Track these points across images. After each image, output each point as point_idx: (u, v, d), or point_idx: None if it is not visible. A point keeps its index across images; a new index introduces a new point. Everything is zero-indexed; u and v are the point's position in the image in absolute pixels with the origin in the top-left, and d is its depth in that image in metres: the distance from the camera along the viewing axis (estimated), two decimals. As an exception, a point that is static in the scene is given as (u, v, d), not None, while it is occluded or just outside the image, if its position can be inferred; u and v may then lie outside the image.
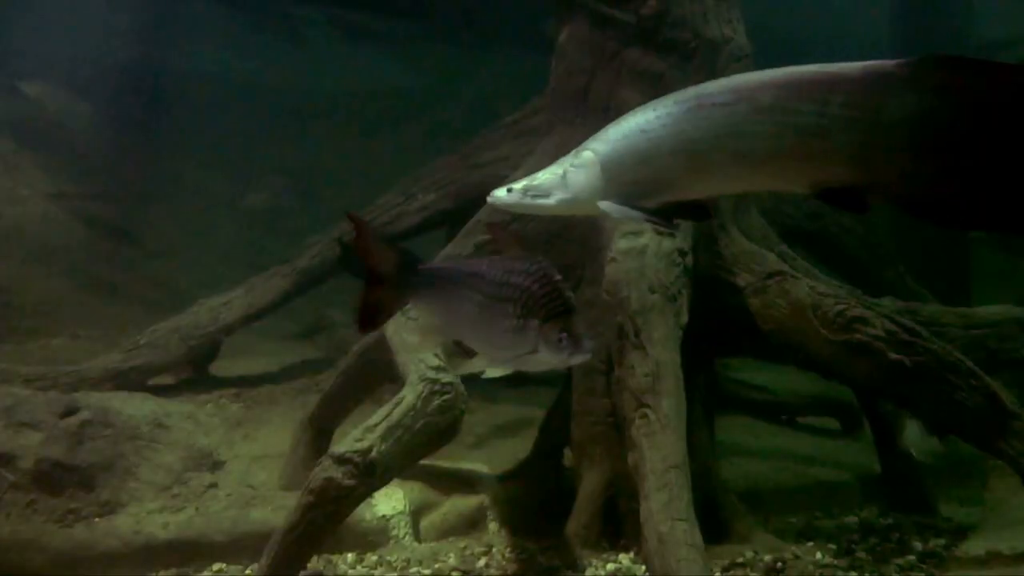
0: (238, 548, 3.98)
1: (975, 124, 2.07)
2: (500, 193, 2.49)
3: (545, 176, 2.45)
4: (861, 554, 4.07)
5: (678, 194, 2.35)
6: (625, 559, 3.94)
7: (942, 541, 4.24)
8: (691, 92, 2.29)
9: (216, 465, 4.68)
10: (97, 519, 4.09)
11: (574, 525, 4.15)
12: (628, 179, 2.34)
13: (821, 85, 2.14)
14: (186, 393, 5.57)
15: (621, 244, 4.02)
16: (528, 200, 2.45)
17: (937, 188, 2.13)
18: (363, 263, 2.34)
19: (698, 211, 2.42)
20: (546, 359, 2.21)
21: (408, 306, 4.27)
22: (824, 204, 5.79)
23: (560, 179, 2.42)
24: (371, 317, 2.40)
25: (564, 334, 2.16)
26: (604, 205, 2.36)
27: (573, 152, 2.43)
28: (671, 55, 4.34)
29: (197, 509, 4.20)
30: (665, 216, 2.38)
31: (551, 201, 2.43)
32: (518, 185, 2.48)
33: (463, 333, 2.40)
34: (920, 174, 2.12)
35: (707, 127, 2.24)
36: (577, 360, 2.19)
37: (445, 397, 3.57)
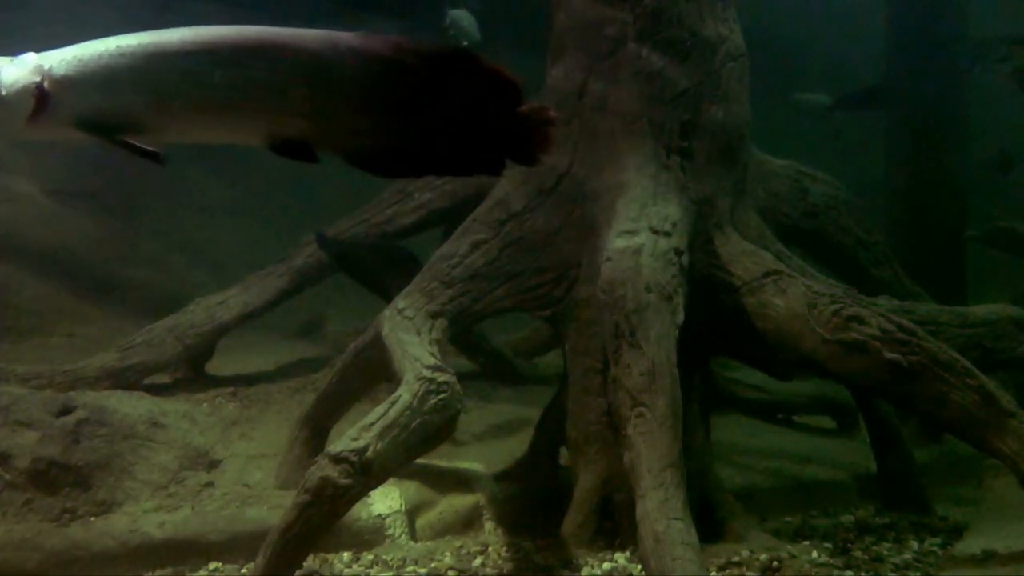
0: (234, 547, 3.97)
1: (404, 89, 2.37)
2: None
3: None
4: (857, 553, 4.06)
5: (150, 135, 2.35)
6: (621, 558, 3.94)
7: (938, 540, 4.24)
8: (152, 36, 2.36)
9: (212, 464, 4.67)
10: (93, 518, 4.09)
11: (570, 524, 4.15)
12: (88, 104, 2.28)
13: (279, 45, 2.33)
14: (182, 392, 5.56)
15: (617, 243, 4.02)
16: None
17: (373, 142, 2.41)
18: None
19: (152, 155, 2.37)
20: None
21: (403, 305, 4.26)
22: (820, 203, 5.78)
23: None
24: None
25: None
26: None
27: (7, 58, 2.25)
28: (667, 53, 4.34)
29: (193, 508, 4.20)
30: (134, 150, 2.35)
31: None
32: None
33: None
34: (360, 130, 2.40)
35: (167, 72, 2.31)
36: None
37: (441, 396, 3.56)
